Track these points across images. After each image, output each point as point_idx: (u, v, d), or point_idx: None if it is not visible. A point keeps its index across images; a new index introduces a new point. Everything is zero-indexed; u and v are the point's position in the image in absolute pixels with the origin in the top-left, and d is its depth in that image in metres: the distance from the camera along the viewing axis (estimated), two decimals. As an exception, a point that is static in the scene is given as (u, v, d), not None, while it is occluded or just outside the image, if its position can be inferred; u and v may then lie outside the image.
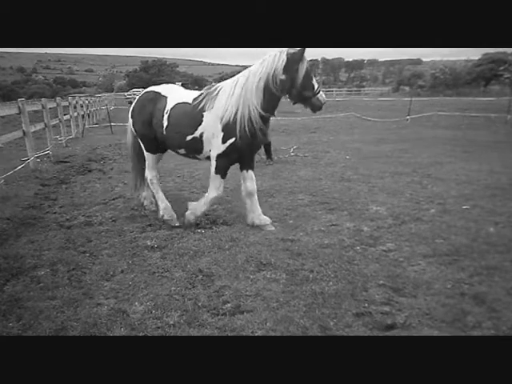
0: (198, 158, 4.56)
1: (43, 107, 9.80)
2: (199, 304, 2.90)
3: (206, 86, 4.61)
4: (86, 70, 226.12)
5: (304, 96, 3.99)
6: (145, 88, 5.10)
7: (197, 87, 49.47)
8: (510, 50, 42.53)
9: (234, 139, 4.05)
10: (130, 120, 4.78)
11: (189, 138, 4.26)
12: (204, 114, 4.15)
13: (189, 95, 4.43)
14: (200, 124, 4.18)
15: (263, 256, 3.65)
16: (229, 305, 2.89)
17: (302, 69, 3.84)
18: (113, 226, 4.59)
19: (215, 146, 4.17)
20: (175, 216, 4.53)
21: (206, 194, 4.38)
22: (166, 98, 4.46)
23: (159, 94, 4.55)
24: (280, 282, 3.21)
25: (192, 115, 4.21)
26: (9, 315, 2.79)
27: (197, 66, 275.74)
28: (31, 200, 5.73)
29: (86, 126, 16.43)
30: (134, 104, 4.77)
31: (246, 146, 4.12)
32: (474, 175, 6.74)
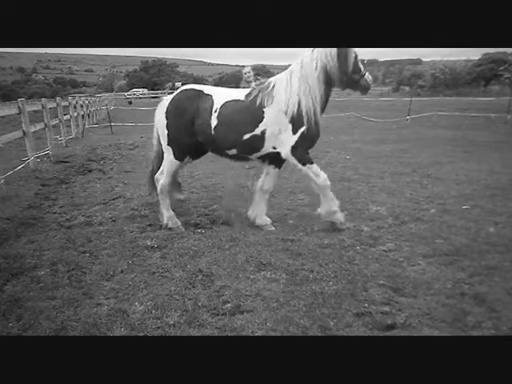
0: (248, 159, 4.39)
1: (43, 107, 9.80)
2: (199, 304, 2.90)
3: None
4: (86, 70, 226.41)
5: (353, 79, 4.02)
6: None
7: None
8: (510, 50, 42.61)
9: (304, 127, 4.01)
10: (164, 121, 4.31)
11: (247, 136, 4.07)
12: (264, 110, 4.03)
13: (238, 92, 4.31)
14: (261, 121, 4.04)
15: (263, 256, 3.65)
16: (229, 305, 2.89)
17: (351, 54, 3.90)
18: (113, 226, 4.59)
19: (286, 139, 4.07)
20: (179, 223, 4.48)
21: (320, 191, 4.33)
22: (211, 96, 4.21)
23: (202, 92, 4.27)
24: (280, 282, 3.21)
25: (249, 112, 4.06)
26: (9, 315, 2.79)
27: (197, 66, 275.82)
28: (31, 200, 5.73)
29: (86, 126, 16.43)
30: (168, 105, 4.32)
31: (310, 138, 4.11)
32: (474, 175, 6.74)
